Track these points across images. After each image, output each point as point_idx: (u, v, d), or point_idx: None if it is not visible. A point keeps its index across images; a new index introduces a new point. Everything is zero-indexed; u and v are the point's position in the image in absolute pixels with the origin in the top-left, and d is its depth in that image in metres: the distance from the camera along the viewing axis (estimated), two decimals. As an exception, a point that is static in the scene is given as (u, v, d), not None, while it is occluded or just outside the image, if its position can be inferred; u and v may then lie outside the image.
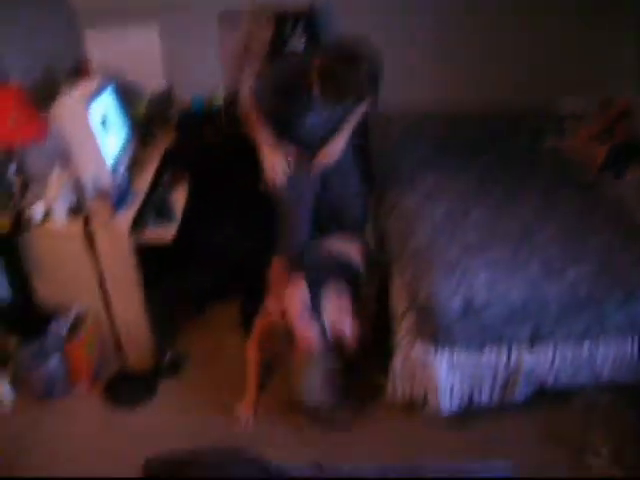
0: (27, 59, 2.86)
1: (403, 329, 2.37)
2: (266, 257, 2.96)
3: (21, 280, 2.60)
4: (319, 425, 2.40)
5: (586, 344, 2.27)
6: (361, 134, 3.00)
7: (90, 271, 2.43)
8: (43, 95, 2.67)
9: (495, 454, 2.22)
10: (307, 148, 2.77)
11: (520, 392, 2.34)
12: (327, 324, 2.36)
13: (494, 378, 2.31)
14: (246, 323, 2.76)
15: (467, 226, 2.54)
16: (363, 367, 2.58)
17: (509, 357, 2.27)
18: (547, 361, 2.27)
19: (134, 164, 2.95)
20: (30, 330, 2.52)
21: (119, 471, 2.03)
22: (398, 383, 2.38)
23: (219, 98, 3.60)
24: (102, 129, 2.67)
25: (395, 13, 3.33)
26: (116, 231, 2.46)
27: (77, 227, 2.35)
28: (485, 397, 2.36)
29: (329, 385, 2.36)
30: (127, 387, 2.67)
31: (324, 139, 2.77)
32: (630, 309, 2.19)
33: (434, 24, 3.54)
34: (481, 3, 3.44)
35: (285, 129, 2.69)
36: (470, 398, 2.36)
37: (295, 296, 2.40)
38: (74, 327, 2.60)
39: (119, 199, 2.56)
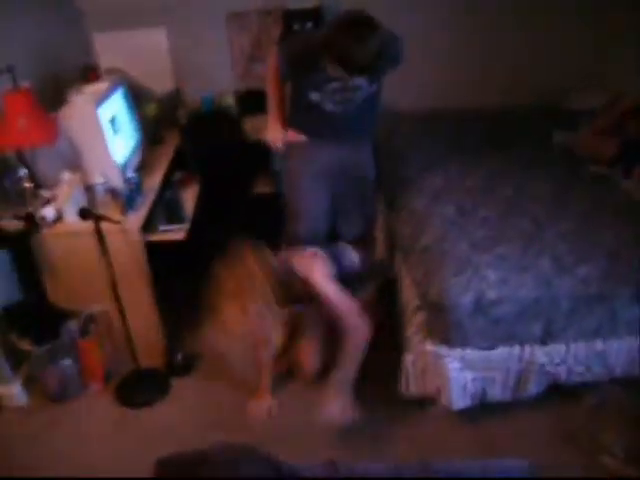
0: (36, 62, 2.88)
1: (414, 326, 2.37)
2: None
3: (33, 281, 2.62)
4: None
5: (598, 340, 2.26)
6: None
7: (102, 272, 2.44)
8: (53, 98, 2.69)
9: (508, 451, 2.22)
10: (333, 138, 2.71)
11: (532, 389, 2.33)
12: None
13: (506, 375, 2.30)
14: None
15: (477, 223, 2.54)
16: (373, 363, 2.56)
17: (521, 353, 2.26)
18: (559, 357, 2.27)
19: (144, 165, 2.97)
20: (43, 331, 2.54)
21: (132, 470, 2.04)
22: (410, 380, 2.38)
23: (228, 99, 3.62)
24: (112, 131, 2.69)
25: (404, 11, 3.32)
26: (127, 231, 2.47)
27: (88, 228, 2.37)
28: (497, 394, 2.35)
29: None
30: (140, 386, 2.68)
31: (348, 129, 2.70)
32: (642, 305, 2.18)
33: (443, 23, 3.56)
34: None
35: (309, 113, 2.65)
36: (482, 395, 2.35)
37: (323, 273, 2.30)
38: (86, 327, 2.62)
39: (129, 200, 2.57)
